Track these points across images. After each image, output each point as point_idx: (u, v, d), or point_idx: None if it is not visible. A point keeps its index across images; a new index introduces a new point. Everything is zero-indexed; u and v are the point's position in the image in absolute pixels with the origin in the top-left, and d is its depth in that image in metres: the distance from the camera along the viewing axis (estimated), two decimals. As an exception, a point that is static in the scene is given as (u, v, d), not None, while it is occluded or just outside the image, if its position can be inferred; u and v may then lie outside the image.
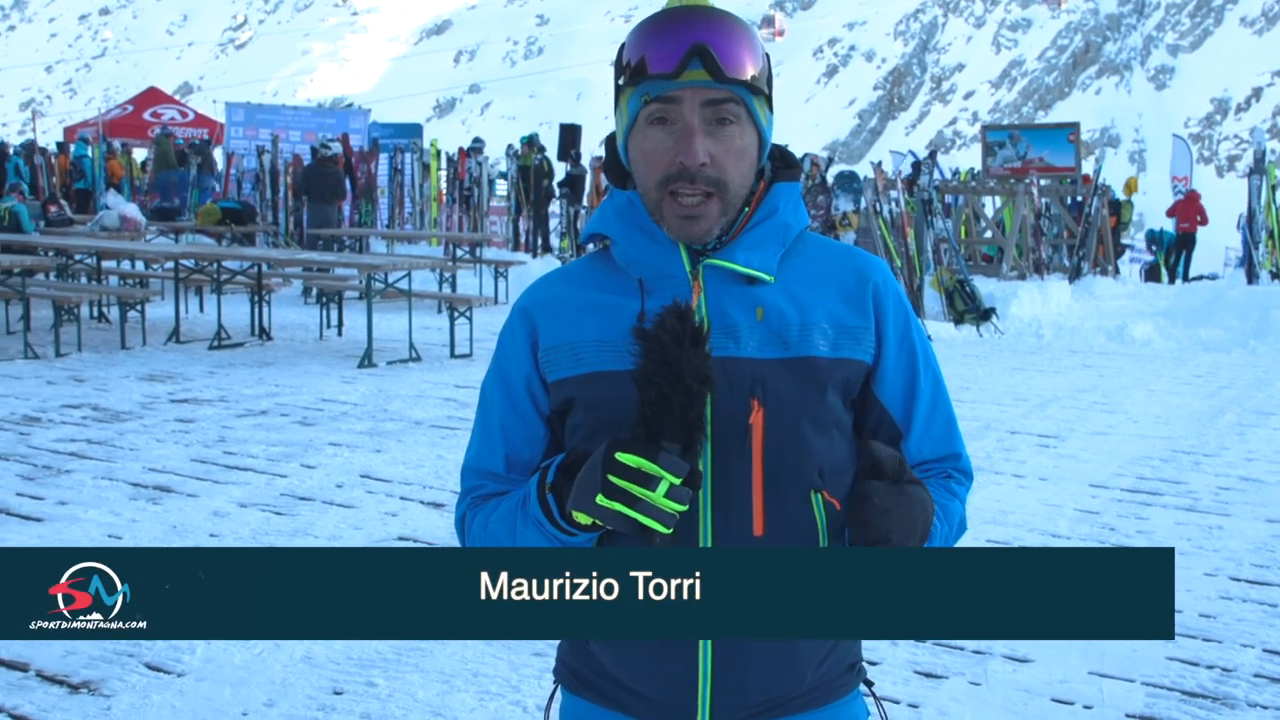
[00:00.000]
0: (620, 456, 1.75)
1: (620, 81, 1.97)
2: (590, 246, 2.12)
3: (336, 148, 23.90)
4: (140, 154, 31.52)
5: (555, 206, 26.71)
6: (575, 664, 2.12)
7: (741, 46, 1.91)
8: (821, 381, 1.97)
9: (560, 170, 26.62)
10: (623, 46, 1.97)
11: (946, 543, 2.00)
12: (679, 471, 1.74)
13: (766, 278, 1.98)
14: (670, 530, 1.75)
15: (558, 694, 2.18)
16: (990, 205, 26.00)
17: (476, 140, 27.98)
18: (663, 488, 1.73)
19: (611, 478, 1.74)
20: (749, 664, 1.96)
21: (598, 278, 2.07)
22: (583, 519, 1.81)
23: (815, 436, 1.96)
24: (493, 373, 2.14)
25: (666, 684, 1.98)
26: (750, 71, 1.92)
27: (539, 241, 26.11)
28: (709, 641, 1.95)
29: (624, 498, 1.74)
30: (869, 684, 2.15)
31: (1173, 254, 29.30)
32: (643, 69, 1.91)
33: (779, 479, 1.94)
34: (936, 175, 24.07)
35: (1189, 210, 28.68)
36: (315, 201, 22.53)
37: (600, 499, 1.75)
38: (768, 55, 1.98)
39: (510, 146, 27.41)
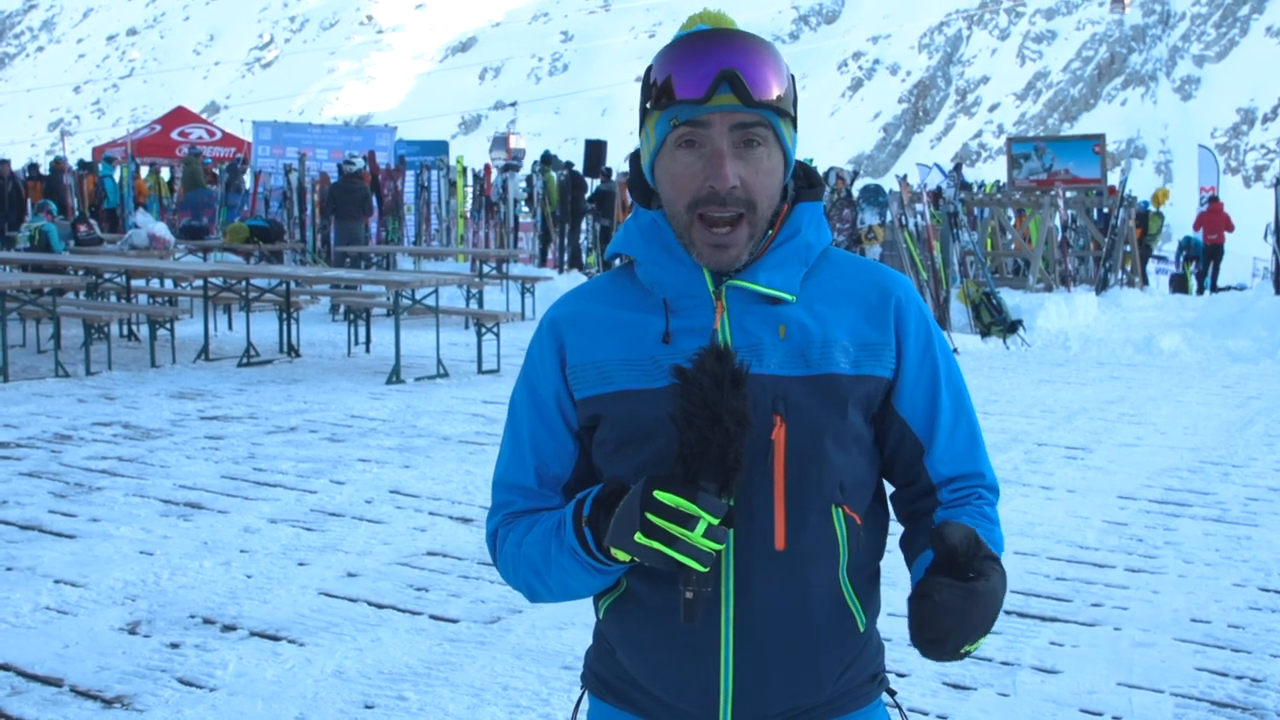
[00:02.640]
0: (659, 495, 1.76)
1: (648, 104, 1.99)
2: (617, 262, 2.15)
3: (360, 162, 24.00)
4: (168, 173, 31.71)
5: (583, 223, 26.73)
6: (601, 670, 2.15)
7: (768, 69, 1.93)
8: (843, 398, 1.98)
9: (588, 186, 26.63)
10: (650, 69, 1.98)
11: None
12: (717, 512, 1.76)
13: (789, 297, 2.00)
14: (707, 569, 1.78)
15: (584, 700, 2.21)
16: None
17: (513, 158, 28.07)
18: (701, 527, 1.75)
19: (650, 516, 1.76)
20: (770, 672, 1.98)
21: (624, 295, 2.08)
22: (620, 555, 1.83)
23: (837, 452, 1.98)
24: (522, 386, 2.15)
25: (688, 691, 2.00)
26: (776, 93, 1.93)
27: (564, 258, 26.10)
28: (730, 649, 1.96)
29: (662, 536, 1.76)
30: (891, 693, 2.17)
31: (1201, 264, 29.21)
32: (671, 93, 1.93)
33: (801, 494, 1.95)
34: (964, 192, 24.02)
35: (1215, 221, 28.57)
36: (342, 219, 22.62)
37: (639, 537, 1.77)
38: (792, 76, 2.00)
39: (535, 164, 27.51)
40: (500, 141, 53.30)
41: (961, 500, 2.09)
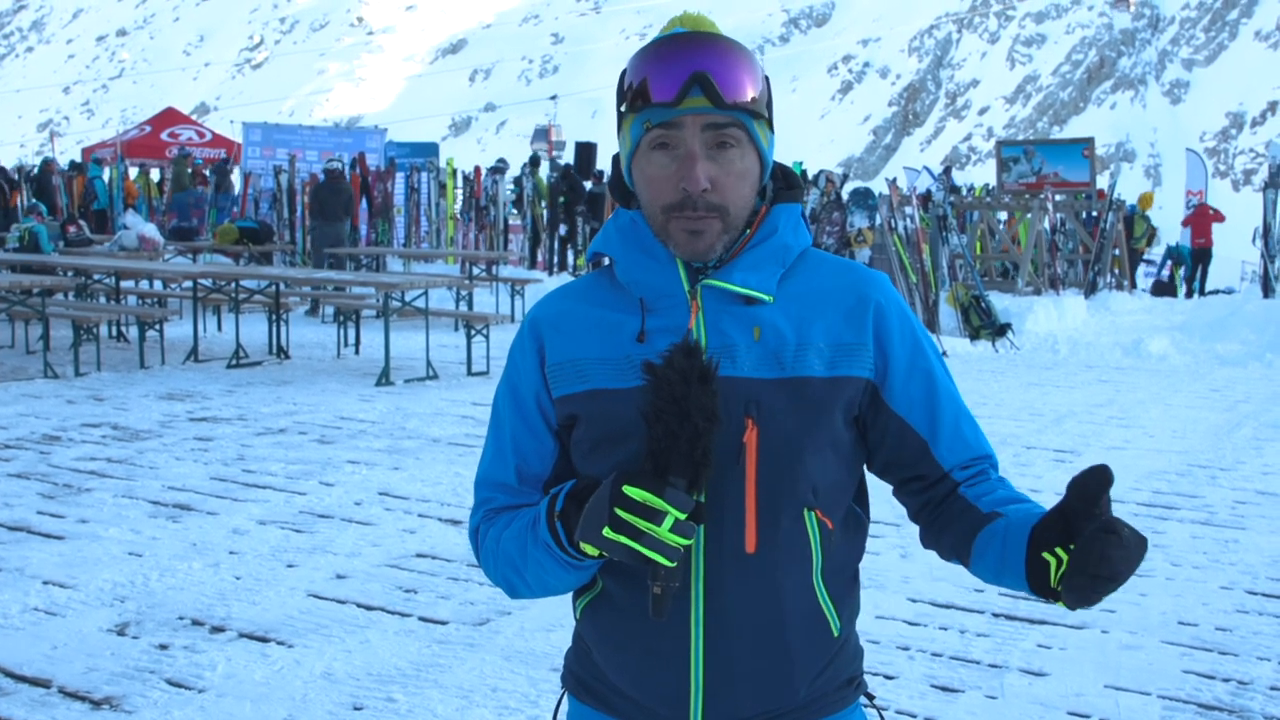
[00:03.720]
0: (628, 490, 1.77)
1: (623, 108, 2.00)
2: (606, 261, 2.15)
3: (340, 164, 23.87)
4: (157, 175, 31.64)
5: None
6: (579, 671, 2.16)
7: (741, 71, 1.94)
8: (817, 401, 1.97)
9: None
10: (624, 72, 1.99)
11: None
12: (685, 507, 1.77)
13: (764, 298, 2.00)
14: (674, 564, 1.78)
15: (564, 701, 2.22)
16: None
17: (500, 160, 28.03)
18: (668, 522, 1.76)
19: (618, 511, 1.77)
20: (740, 675, 1.98)
21: (602, 294, 2.10)
22: (590, 549, 1.84)
23: (810, 456, 1.97)
24: (504, 386, 2.17)
25: (660, 692, 2.01)
26: (750, 94, 1.94)
27: (555, 260, 26.04)
28: (700, 652, 1.97)
29: (630, 531, 1.77)
30: (870, 697, 2.16)
31: (1188, 270, 29.24)
32: (644, 96, 1.94)
33: (772, 497, 1.95)
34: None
35: (1202, 224, 28.60)
36: (325, 220, 22.46)
37: (607, 532, 1.78)
38: (767, 78, 2.01)
39: (524, 166, 27.50)
40: (541, 133, 53.22)
41: (981, 477, 2.08)
